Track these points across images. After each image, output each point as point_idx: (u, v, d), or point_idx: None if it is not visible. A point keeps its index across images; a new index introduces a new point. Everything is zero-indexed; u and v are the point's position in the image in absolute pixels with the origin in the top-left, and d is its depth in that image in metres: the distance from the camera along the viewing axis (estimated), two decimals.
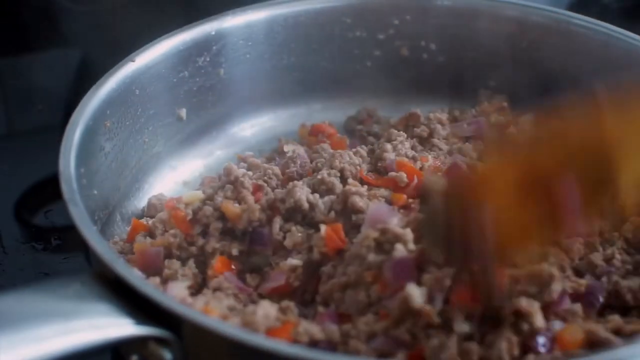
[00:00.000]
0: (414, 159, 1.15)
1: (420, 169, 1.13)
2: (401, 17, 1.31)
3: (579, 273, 1.01)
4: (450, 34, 1.31)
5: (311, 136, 1.28)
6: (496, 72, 1.30)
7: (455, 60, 1.32)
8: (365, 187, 1.09)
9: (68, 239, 1.27)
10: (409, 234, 0.95)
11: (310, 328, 0.91)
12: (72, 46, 1.60)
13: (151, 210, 1.15)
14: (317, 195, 1.07)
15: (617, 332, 0.93)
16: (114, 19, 1.45)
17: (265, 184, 1.09)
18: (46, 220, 1.32)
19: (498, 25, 1.28)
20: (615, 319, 0.95)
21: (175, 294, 0.95)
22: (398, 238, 0.94)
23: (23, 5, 1.69)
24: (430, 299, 0.90)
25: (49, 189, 1.35)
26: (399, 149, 1.16)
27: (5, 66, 1.66)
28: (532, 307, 0.89)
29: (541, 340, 0.89)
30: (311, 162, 1.15)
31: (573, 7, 1.45)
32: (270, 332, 0.91)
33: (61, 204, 0.95)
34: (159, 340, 0.83)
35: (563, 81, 1.25)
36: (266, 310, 0.92)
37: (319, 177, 1.09)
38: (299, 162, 1.14)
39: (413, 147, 1.19)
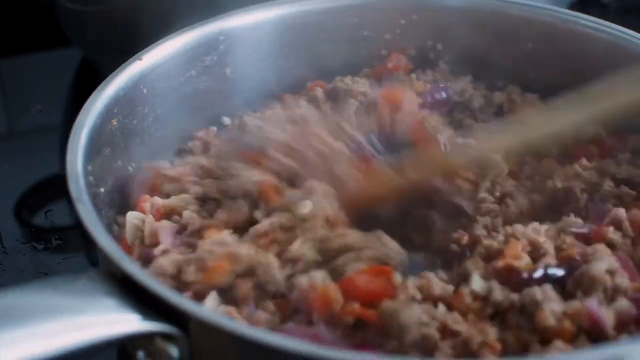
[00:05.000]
0: None
1: None
2: (408, 17, 1.31)
3: None
4: (457, 34, 1.30)
5: None
6: (502, 73, 1.30)
7: (461, 60, 1.32)
8: None
9: (68, 239, 1.27)
10: None
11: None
12: (72, 46, 1.60)
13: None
14: None
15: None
16: (114, 19, 1.44)
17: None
18: (46, 220, 1.32)
19: (504, 26, 1.28)
20: None
21: (210, 306, 0.94)
22: None
23: (23, 5, 1.69)
24: None
25: (49, 189, 1.36)
26: None
27: (5, 66, 1.66)
28: None
29: None
30: None
31: (573, 7, 1.46)
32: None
33: (61, 204, 0.94)
34: (165, 336, 0.82)
35: (567, 81, 1.25)
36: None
37: None
38: None
39: None
